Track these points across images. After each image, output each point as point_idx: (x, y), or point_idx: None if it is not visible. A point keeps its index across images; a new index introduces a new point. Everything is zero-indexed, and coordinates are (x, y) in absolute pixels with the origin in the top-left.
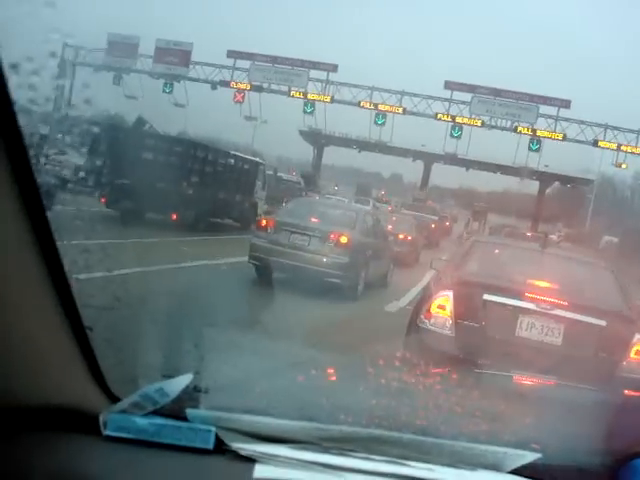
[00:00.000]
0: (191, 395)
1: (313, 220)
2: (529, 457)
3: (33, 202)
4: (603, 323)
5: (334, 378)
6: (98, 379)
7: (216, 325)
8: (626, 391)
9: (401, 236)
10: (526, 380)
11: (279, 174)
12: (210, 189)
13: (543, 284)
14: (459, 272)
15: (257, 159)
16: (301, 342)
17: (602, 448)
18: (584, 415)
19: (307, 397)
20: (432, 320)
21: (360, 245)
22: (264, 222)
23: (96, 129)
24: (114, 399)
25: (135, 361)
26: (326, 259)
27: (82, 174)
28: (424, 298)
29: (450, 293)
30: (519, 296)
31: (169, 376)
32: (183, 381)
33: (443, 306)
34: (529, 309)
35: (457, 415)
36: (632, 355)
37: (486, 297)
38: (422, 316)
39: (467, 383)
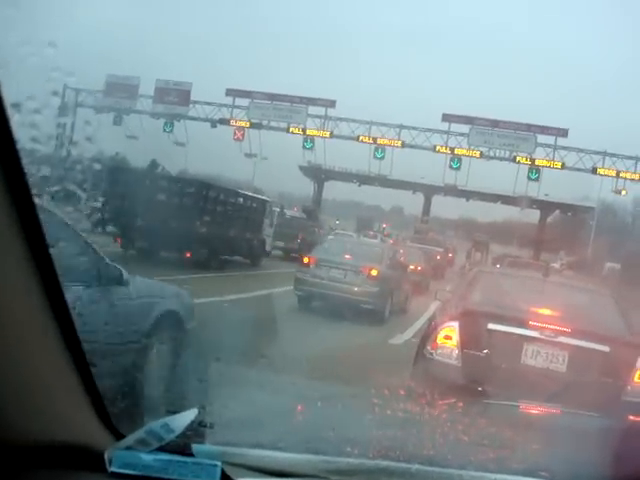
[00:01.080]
0: (197, 430)
1: (347, 257)
2: None
3: (38, 245)
4: (607, 349)
5: (340, 410)
6: (103, 416)
7: (221, 360)
8: (631, 415)
9: (412, 267)
10: (532, 408)
11: (285, 211)
12: (221, 227)
13: (546, 312)
14: (464, 302)
15: (264, 197)
16: (307, 374)
17: (608, 474)
18: (590, 441)
19: (313, 430)
20: (439, 350)
21: (386, 276)
22: (306, 259)
23: (111, 171)
24: (119, 436)
25: (140, 397)
26: (360, 289)
27: (98, 215)
28: (430, 329)
29: (456, 324)
30: (523, 325)
31: (174, 412)
32: (188, 416)
33: (449, 336)
34: (533, 337)
35: (464, 444)
36: (636, 379)
37: (491, 326)
38: (429, 347)
39: (474, 412)
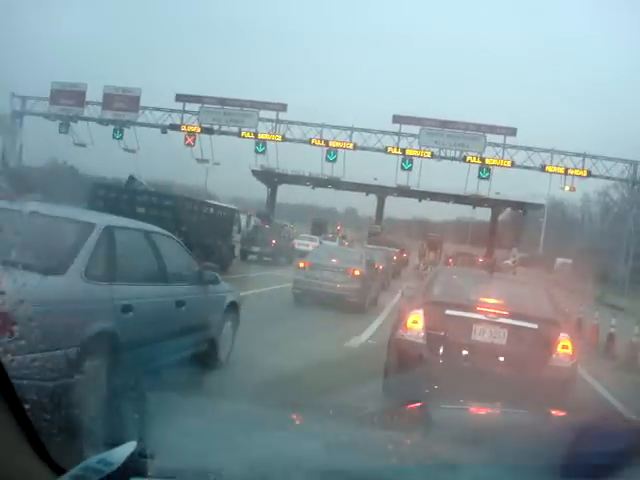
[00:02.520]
0: (137, 462)
1: (333, 260)
2: None
3: None
4: (536, 326)
5: (286, 434)
6: (40, 452)
7: (158, 388)
8: (555, 376)
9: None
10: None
11: (254, 219)
12: (196, 236)
13: (490, 300)
14: (426, 295)
15: (232, 206)
16: (255, 397)
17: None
18: (536, 444)
19: (256, 456)
20: (408, 332)
21: (366, 275)
22: (302, 264)
23: (94, 186)
24: (59, 471)
25: (79, 430)
26: (346, 286)
27: None
28: (400, 316)
29: (421, 311)
30: (472, 310)
31: (113, 444)
32: (127, 449)
33: (416, 321)
34: (480, 319)
35: (413, 464)
36: (559, 349)
37: (448, 312)
38: (400, 330)
39: (421, 420)
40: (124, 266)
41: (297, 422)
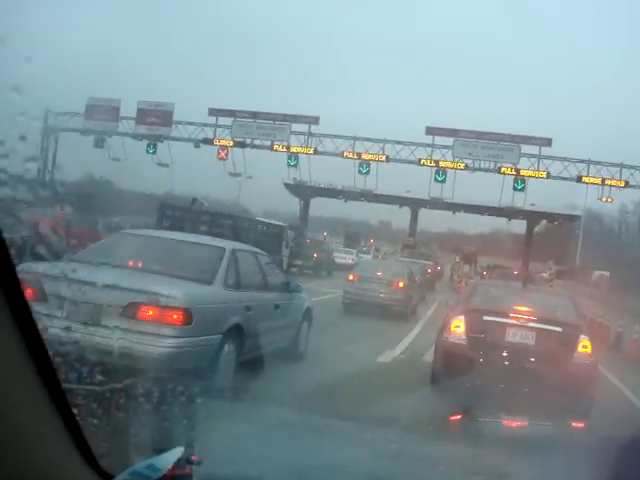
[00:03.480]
0: (183, 469)
1: (379, 273)
2: None
3: (14, 293)
4: (560, 329)
5: (330, 442)
6: (88, 458)
7: (206, 394)
8: (577, 371)
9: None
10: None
11: (305, 235)
12: None
13: (521, 308)
14: (467, 303)
15: (281, 223)
16: (297, 405)
17: None
18: (575, 459)
19: (303, 463)
20: (452, 335)
21: (408, 287)
22: (351, 277)
23: (161, 207)
24: (106, 477)
25: (126, 436)
26: (391, 297)
27: None
28: (445, 322)
29: (462, 317)
30: (506, 316)
31: (161, 450)
32: (174, 455)
33: (458, 325)
34: (513, 324)
35: (456, 472)
36: (579, 349)
37: (485, 318)
38: (445, 333)
39: (462, 436)
40: (244, 278)
41: (342, 430)
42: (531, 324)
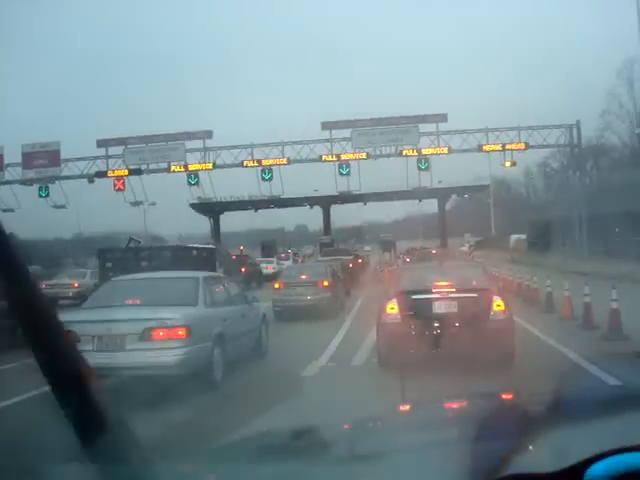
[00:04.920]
0: None
1: (303, 277)
2: None
3: None
4: (475, 295)
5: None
6: None
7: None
8: (493, 327)
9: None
10: (444, 338)
11: (229, 252)
12: None
13: (442, 282)
14: (397, 287)
15: (211, 245)
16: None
17: (466, 473)
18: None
19: None
20: (389, 316)
21: (333, 284)
22: (277, 285)
23: (100, 251)
24: None
25: None
26: (319, 297)
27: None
28: (381, 306)
29: (395, 299)
30: (430, 292)
31: None
32: None
33: (393, 307)
34: (437, 297)
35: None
36: (494, 308)
37: (414, 297)
38: (383, 316)
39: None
40: (216, 297)
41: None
42: (452, 295)
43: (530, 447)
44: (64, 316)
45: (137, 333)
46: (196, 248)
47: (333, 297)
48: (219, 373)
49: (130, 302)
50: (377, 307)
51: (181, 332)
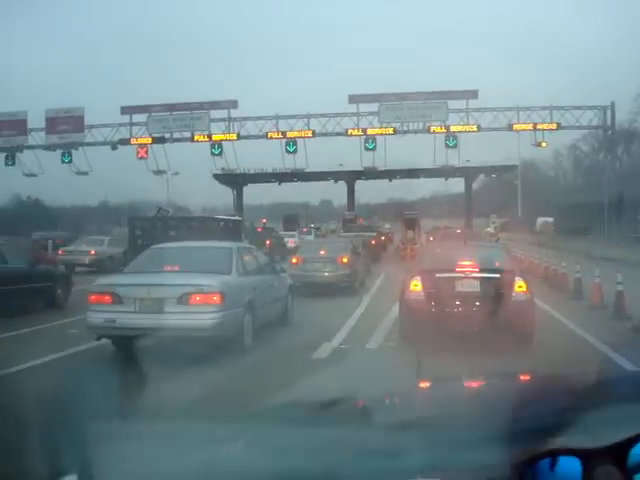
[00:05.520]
0: None
1: (322, 252)
2: None
3: None
4: (498, 275)
5: (240, 451)
6: None
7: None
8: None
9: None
10: (465, 316)
11: (254, 224)
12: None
13: (466, 262)
14: (421, 265)
15: (238, 217)
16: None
17: (501, 454)
18: (481, 410)
19: (203, 474)
20: (413, 293)
21: (353, 261)
22: (294, 260)
23: (130, 219)
24: None
25: (19, 468)
26: (337, 273)
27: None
28: (405, 283)
29: (419, 277)
30: (454, 271)
31: (52, 478)
32: None
33: (417, 284)
34: (460, 277)
35: (347, 457)
36: (516, 289)
37: (438, 275)
38: (406, 292)
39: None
40: (247, 266)
41: (254, 438)
42: (475, 275)
43: (570, 425)
44: (107, 280)
45: (175, 297)
46: (223, 219)
47: (352, 274)
48: (249, 338)
49: (169, 269)
50: (399, 285)
51: (216, 298)
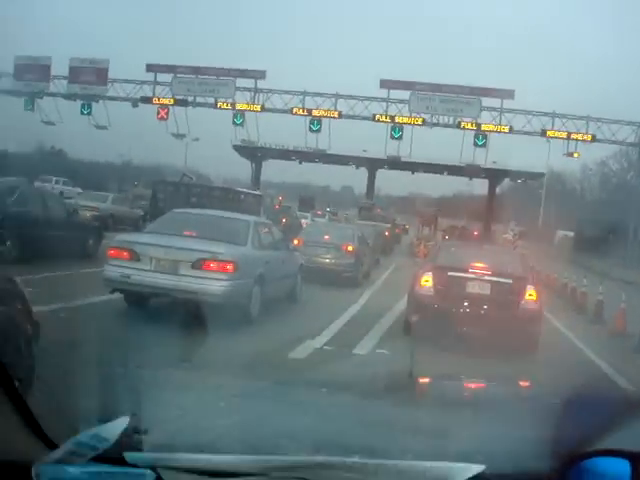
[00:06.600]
0: (130, 438)
1: (326, 237)
2: (474, 469)
3: None
4: (510, 281)
5: (275, 406)
6: (33, 427)
7: (150, 363)
8: (523, 315)
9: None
10: (472, 318)
11: (273, 200)
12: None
13: (479, 264)
14: (434, 262)
15: (258, 192)
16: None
17: (549, 450)
18: (528, 412)
19: (249, 429)
20: (423, 288)
21: (359, 250)
22: (297, 241)
23: (156, 183)
24: (53, 446)
25: (72, 406)
26: (340, 261)
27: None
28: (415, 277)
29: (430, 273)
30: (466, 271)
31: (106, 419)
32: (120, 424)
33: (427, 280)
34: (472, 277)
35: (401, 433)
36: (526, 297)
37: (449, 274)
38: (417, 287)
39: (408, 395)
40: (263, 240)
41: (295, 396)
42: (487, 277)
43: (619, 427)
44: (127, 237)
45: (190, 261)
46: (244, 192)
47: (356, 264)
48: (255, 310)
49: (187, 233)
50: (405, 282)
51: (229, 267)
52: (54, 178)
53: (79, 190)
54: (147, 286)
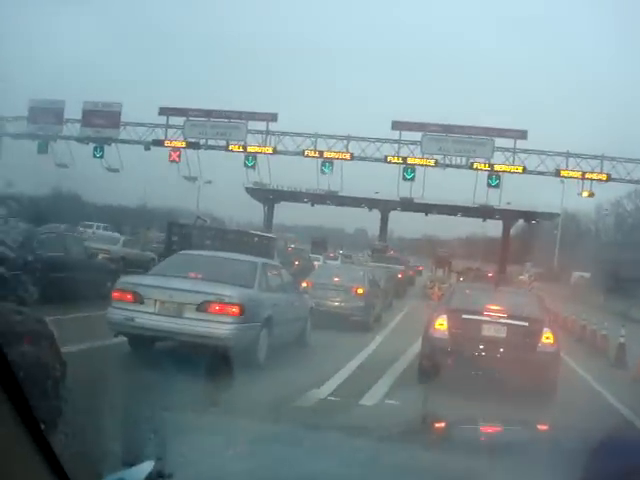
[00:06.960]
0: None
1: (336, 279)
2: None
3: None
4: (526, 324)
5: (293, 452)
6: (57, 472)
7: (175, 406)
8: (541, 358)
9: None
10: (487, 362)
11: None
12: None
13: (494, 306)
14: (448, 304)
15: (271, 235)
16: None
17: None
18: (548, 456)
19: (273, 473)
20: (437, 332)
21: (369, 293)
22: (306, 284)
23: (170, 225)
24: None
25: (97, 450)
26: (349, 305)
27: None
28: (429, 321)
29: (445, 316)
30: (481, 314)
31: (131, 464)
32: (145, 468)
33: (442, 323)
34: (487, 320)
35: (418, 479)
36: (543, 340)
37: (464, 316)
38: (431, 330)
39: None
40: (271, 283)
41: (314, 440)
42: (502, 320)
43: None
44: (131, 279)
45: (195, 304)
46: (258, 235)
47: (367, 307)
48: (263, 354)
49: (193, 275)
50: (418, 326)
51: (235, 310)
52: (95, 224)
53: (117, 235)
54: (151, 329)
